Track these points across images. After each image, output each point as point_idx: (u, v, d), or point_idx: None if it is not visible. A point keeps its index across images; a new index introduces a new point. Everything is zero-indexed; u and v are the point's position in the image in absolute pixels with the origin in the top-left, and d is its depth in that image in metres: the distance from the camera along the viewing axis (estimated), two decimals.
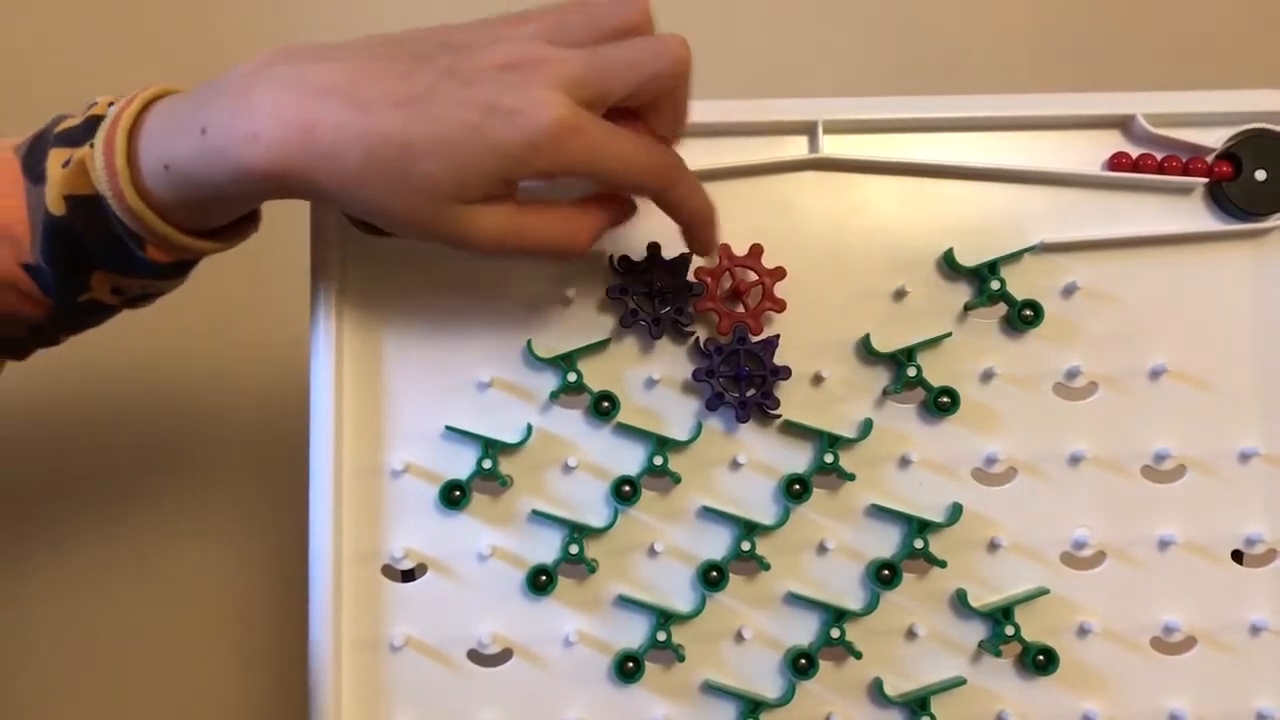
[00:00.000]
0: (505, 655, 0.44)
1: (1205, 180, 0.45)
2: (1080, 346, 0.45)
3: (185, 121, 0.37)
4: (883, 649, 0.45)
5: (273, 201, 0.39)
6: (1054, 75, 0.74)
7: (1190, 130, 0.45)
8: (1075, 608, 0.45)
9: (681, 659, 0.44)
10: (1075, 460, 0.45)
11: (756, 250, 0.44)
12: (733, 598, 0.45)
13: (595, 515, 0.45)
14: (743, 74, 0.74)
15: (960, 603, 0.45)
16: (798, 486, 0.44)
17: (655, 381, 0.45)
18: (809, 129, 0.45)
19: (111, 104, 0.40)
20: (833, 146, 0.45)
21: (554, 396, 0.44)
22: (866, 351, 0.45)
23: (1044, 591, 0.44)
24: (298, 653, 0.43)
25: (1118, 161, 0.45)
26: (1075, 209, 0.46)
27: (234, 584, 0.71)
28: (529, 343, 0.44)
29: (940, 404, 0.45)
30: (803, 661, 0.44)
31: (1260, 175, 0.45)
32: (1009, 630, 0.44)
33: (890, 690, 0.44)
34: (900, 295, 0.45)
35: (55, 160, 0.39)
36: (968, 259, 0.45)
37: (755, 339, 0.44)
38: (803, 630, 0.45)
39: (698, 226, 0.41)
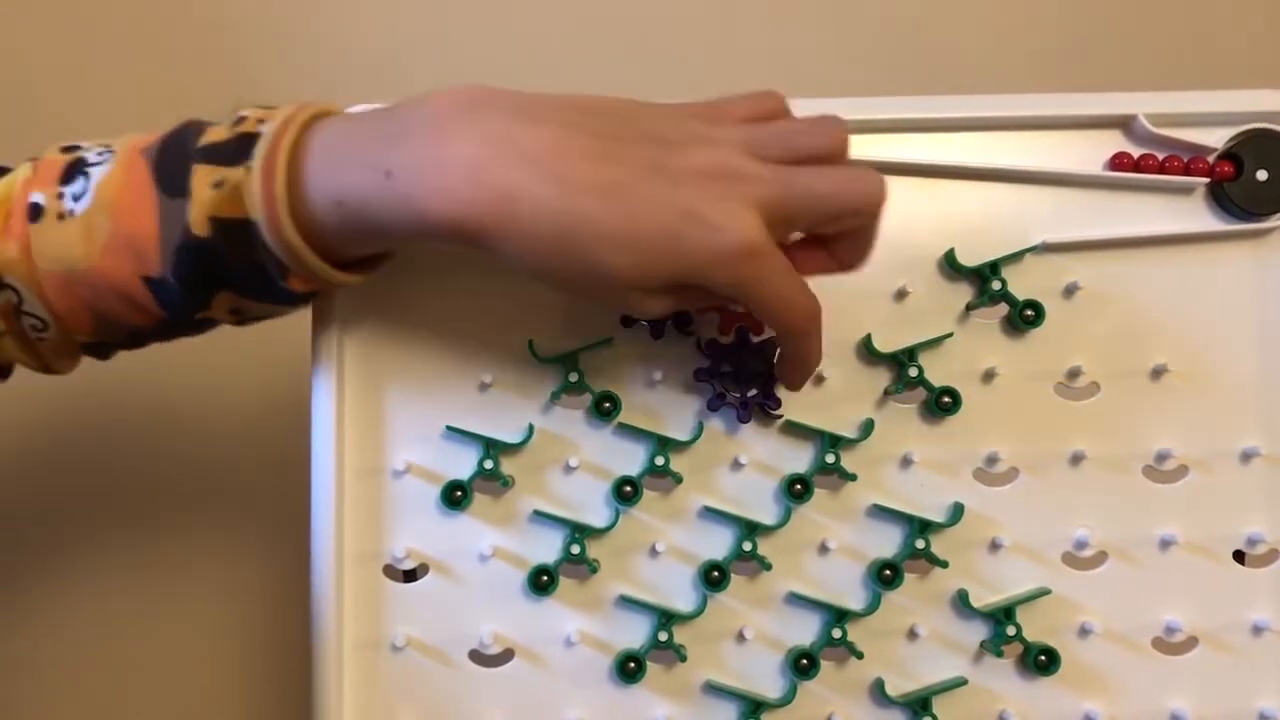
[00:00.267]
0: (507, 655, 0.44)
1: (1206, 180, 0.45)
2: (1082, 346, 0.45)
3: (364, 157, 0.36)
4: (884, 649, 0.45)
5: None
6: (1055, 75, 0.73)
7: (1191, 130, 0.45)
8: (1077, 608, 0.45)
9: (683, 659, 0.44)
10: (1077, 460, 0.45)
11: None
12: (734, 598, 0.45)
13: (597, 515, 0.45)
14: (743, 75, 0.74)
15: (962, 603, 0.45)
16: (799, 486, 0.44)
17: (657, 381, 0.45)
18: None
19: (263, 121, 0.38)
20: None
21: (555, 396, 0.44)
22: (868, 352, 0.45)
23: (1045, 591, 0.44)
24: (300, 653, 0.44)
25: (1119, 161, 0.45)
26: (1077, 209, 0.46)
27: (235, 584, 0.71)
28: (530, 343, 0.44)
29: (942, 404, 0.45)
30: (804, 662, 0.44)
31: (1262, 175, 0.45)
32: (1010, 630, 0.44)
33: (892, 690, 0.44)
34: (901, 295, 0.45)
35: (202, 178, 0.37)
36: (969, 259, 0.45)
37: (756, 339, 0.44)
38: (804, 630, 0.45)
39: (801, 373, 0.41)
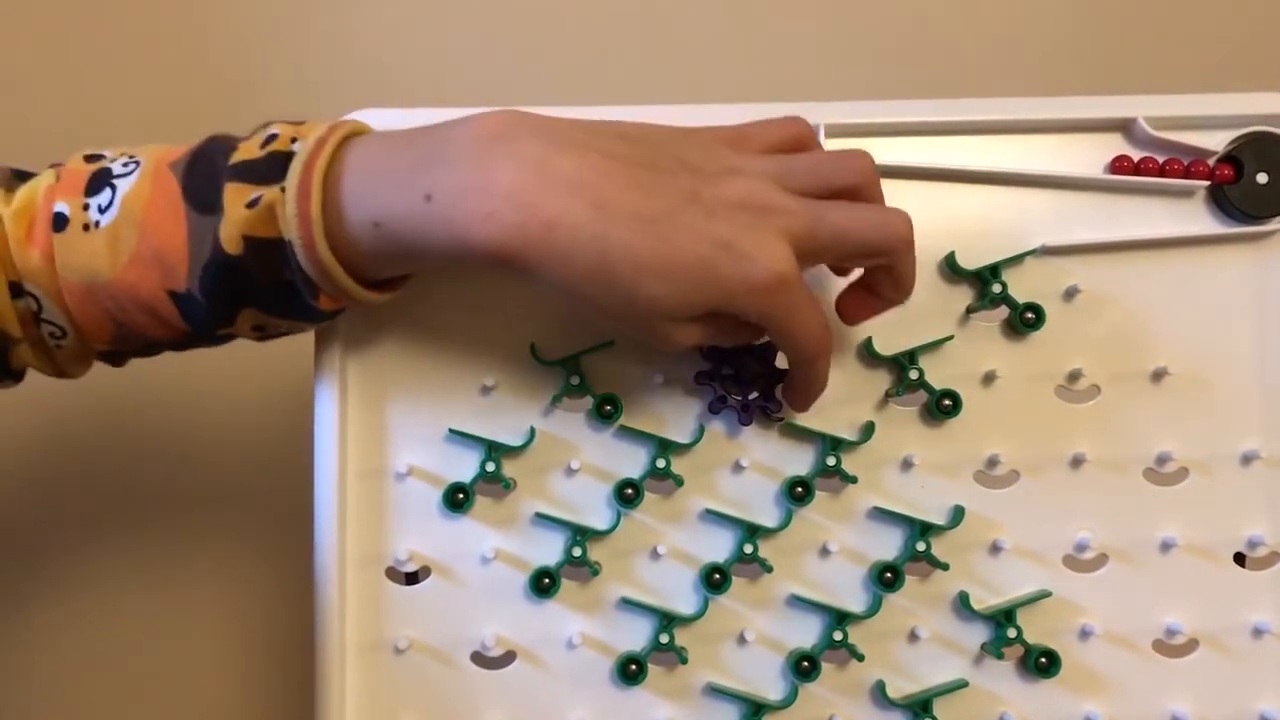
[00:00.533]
0: (508, 657, 0.44)
1: (1207, 183, 0.45)
2: (1082, 349, 0.45)
3: (403, 180, 0.36)
4: (885, 651, 0.45)
5: None
6: (1055, 78, 0.74)
7: (1192, 133, 0.45)
8: (1077, 610, 0.45)
9: (684, 661, 0.44)
10: (1077, 463, 0.45)
11: None
12: (735, 600, 0.45)
13: (598, 518, 0.45)
14: (744, 77, 0.74)
15: (962, 605, 0.45)
16: (800, 489, 0.44)
17: (658, 384, 0.45)
18: None
19: (295, 139, 0.38)
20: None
21: (557, 399, 0.45)
22: (868, 354, 0.45)
23: (1046, 594, 0.45)
24: (302, 655, 0.44)
25: (1119, 164, 0.45)
26: (1077, 212, 0.46)
27: (237, 586, 0.71)
28: (532, 346, 0.44)
29: (942, 407, 0.45)
30: (805, 664, 0.44)
31: (1262, 178, 0.45)
32: (1011, 632, 0.44)
33: (893, 692, 0.44)
34: None
35: (235, 196, 0.37)
36: (969, 262, 0.45)
37: (757, 342, 0.44)
38: (805, 632, 0.45)
39: (808, 397, 0.42)
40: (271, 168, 0.37)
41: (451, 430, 0.44)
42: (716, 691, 0.44)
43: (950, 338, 0.45)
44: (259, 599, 0.71)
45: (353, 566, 0.44)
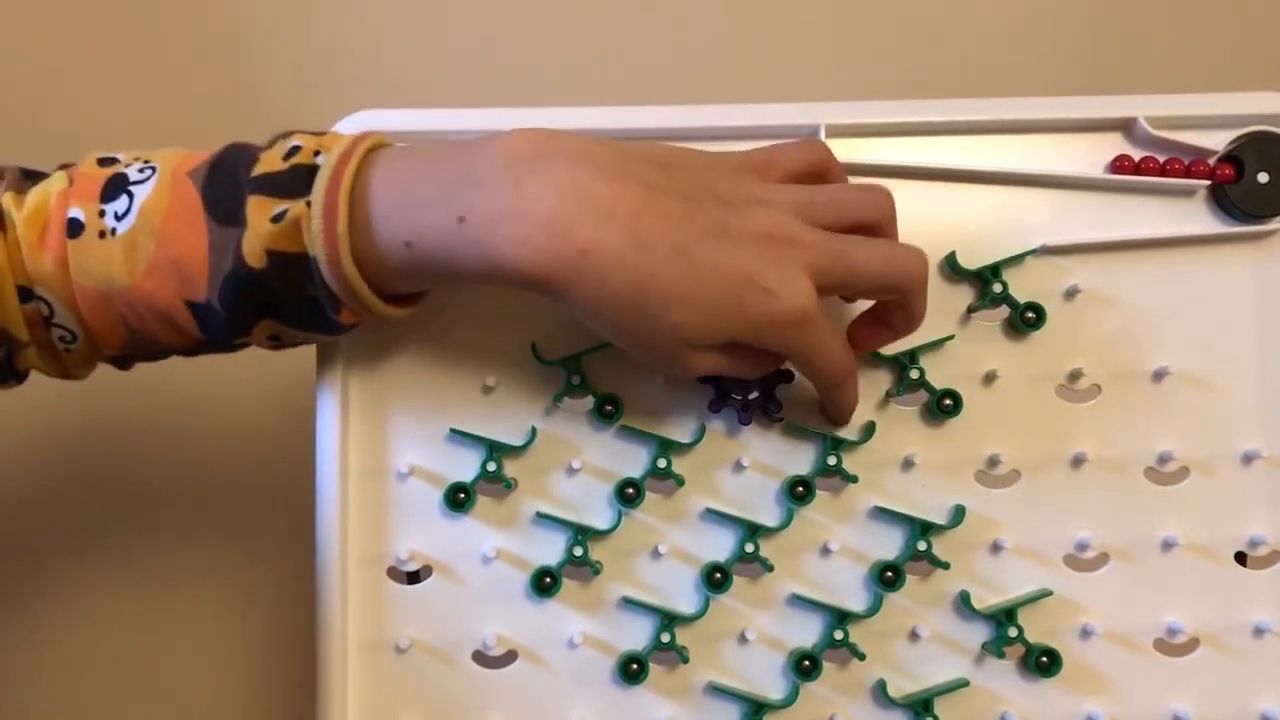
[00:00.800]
0: (509, 657, 0.44)
1: (1207, 183, 0.45)
2: (1083, 349, 0.45)
3: (434, 200, 0.37)
4: (886, 650, 0.45)
5: None
6: (1056, 78, 0.74)
7: (1192, 133, 0.45)
8: (1078, 609, 0.45)
9: (685, 660, 0.44)
10: (1078, 462, 0.45)
11: None
12: (736, 599, 0.45)
13: (599, 517, 0.45)
14: (745, 78, 0.74)
15: (963, 604, 0.45)
16: (801, 488, 0.44)
17: (659, 384, 0.45)
18: (812, 133, 0.45)
19: (319, 152, 0.38)
20: (835, 150, 0.45)
21: (558, 399, 0.45)
22: (869, 354, 0.45)
23: (1047, 593, 0.45)
24: (303, 655, 0.44)
25: (1120, 164, 0.45)
26: (1077, 211, 0.46)
27: (238, 586, 0.71)
28: (533, 345, 0.45)
29: (943, 406, 0.45)
30: (806, 663, 0.44)
31: (1262, 178, 0.45)
32: (1012, 632, 0.44)
33: (894, 692, 0.44)
34: None
35: (259, 210, 0.37)
36: (970, 261, 0.45)
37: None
38: (806, 632, 0.45)
39: (839, 417, 0.44)
40: (295, 181, 0.37)
41: (453, 430, 0.44)
42: (718, 691, 0.44)
43: (951, 337, 0.45)
44: (260, 599, 0.71)
45: (354, 566, 0.44)
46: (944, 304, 0.45)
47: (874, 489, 0.45)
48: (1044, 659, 0.44)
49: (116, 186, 0.39)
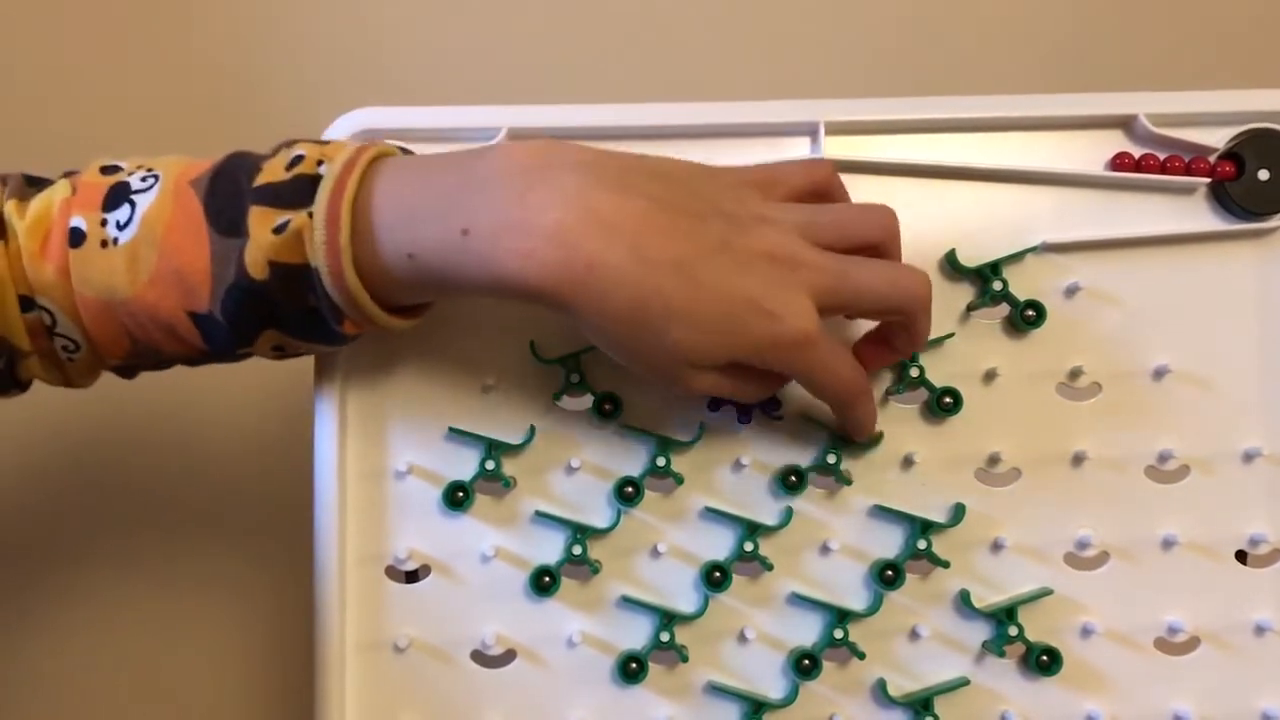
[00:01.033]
0: (508, 656, 0.44)
1: (1208, 180, 0.45)
2: (1083, 347, 0.45)
3: (437, 211, 0.36)
4: (886, 649, 0.45)
5: None
6: (1056, 75, 0.73)
7: (1193, 130, 0.45)
8: (1079, 608, 0.45)
9: (684, 660, 0.44)
10: (1078, 460, 0.45)
11: None
12: (736, 598, 0.45)
13: (598, 516, 0.45)
14: (744, 75, 0.74)
15: (964, 603, 0.45)
16: (794, 478, 0.44)
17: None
18: (811, 130, 0.45)
19: (321, 161, 0.38)
20: (835, 148, 0.45)
21: (557, 398, 0.44)
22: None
23: (1047, 592, 0.44)
24: (302, 654, 0.44)
25: (1120, 161, 0.45)
26: (1077, 209, 0.46)
27: (237, 586, 0.71)
28: (532, 344, 0.44)
29: (943, 404, 0.45)
30: (806, 662, 0.44)
31: (1263, 175, 0.45)
32: (1012, 631, 0.44)
33: (894, 691, 0.44)
34: None
35: (260, 221, 0.37)
36: (970, 259, 0.45)
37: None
38: (806, 631, 0.45)
39: (860, 433, 0.43)
40: (298, 191, 0.37)
41: (451, 429, 0.44)
42: (717, 690, 0.44)
43: (951, 335, 0.45)
44: (258, 598, 0.71)
45: (353, 565, 0.44)
46: (944, 302, 0.45)
47: (874, 487, 0.45)
48: (1044, 658, 0.44)
49: (119, 195, 0.38)
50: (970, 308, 0.45)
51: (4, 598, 0.70)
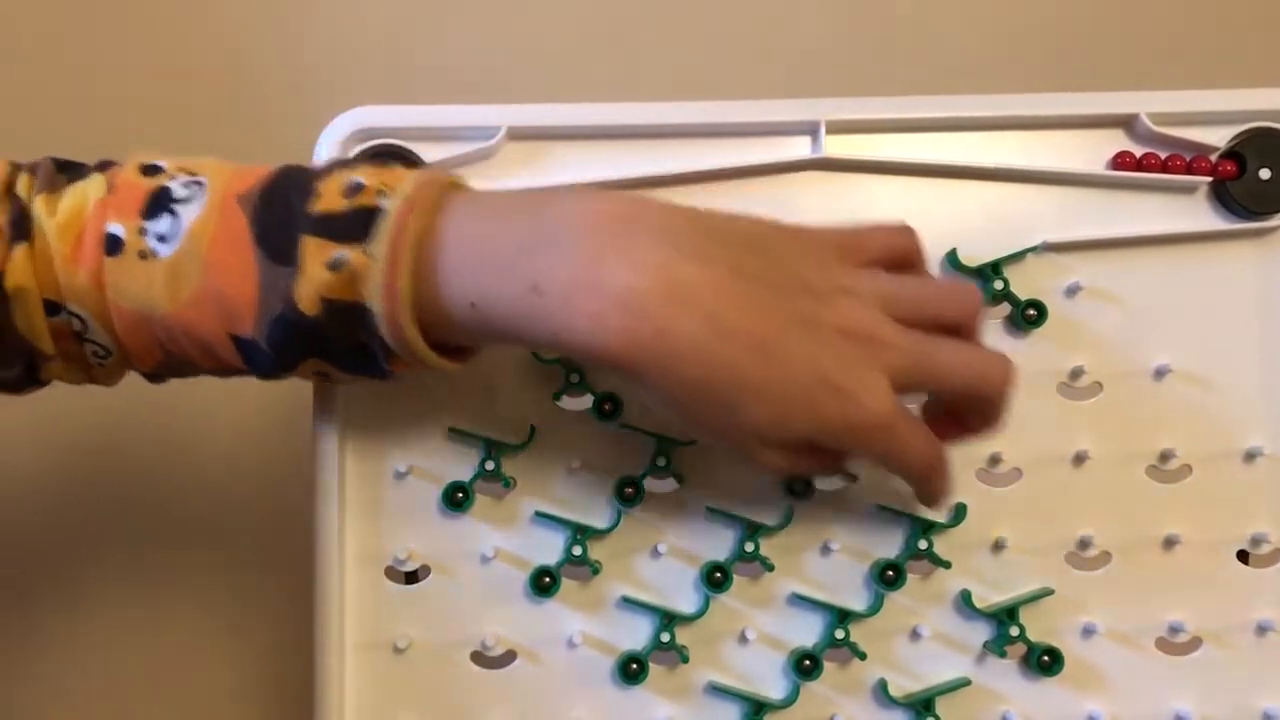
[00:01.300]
0: (509, 657, 0.44)
1: (1209, 179, 0.45)
2: (1084, 346, 0.45)
3: (506, 263, 0.35)
4: (887, 650, 0.45)
5: None
6: (1057, 74, 0.73)
7: (1194, 129, 0.45)
8: (1080, 608, 0.45)
9: (685, 660, 0.44)
10: (1079, 460, 0.45)
11: None
12: (736, 599, 0.44)
13: (598, 516, 0.45)
14: (745, 74, 0.74)
15: (965, 603, 0.44)
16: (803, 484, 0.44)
17: None
18: (811, 129, 0.45)
19: (383, 193, 0.36)
20: (835, 147, 0.45)
21: (557, 398, 0.44)
22: None
23: (1049, 592, 0.44)
24: (301, 655, 0.43)
25: (1121, 161, 0.45)
26: (1078, 208, 0.45)
27: (237, 586, 0.71)
28: None
29: None
30: (807, 662, 0.44)
31: (1264, 174, 0.45)
32: (1014, 631, 0.44)
33: (895, 691, 0.44)
34: None
35: (315, 254, 0.35)
36: (971, 259, 0.45)
37: None
38: (807, 631, 0.45)
39: (933, 502, 0.41)
40: (356, 225, 0.35)
41: (451, 429, 0.44)
42: (718, 690, 0.44)
43: None
44: (258, 598, 0.71)
45: (352, 565, 0.44)
46: None
47: (875, 487, 0.45)
48: (1045, 658, 0.44)
49: (160, 203, 0.36)
50: None
51: (6, 602, 0.70)
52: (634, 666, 0.44)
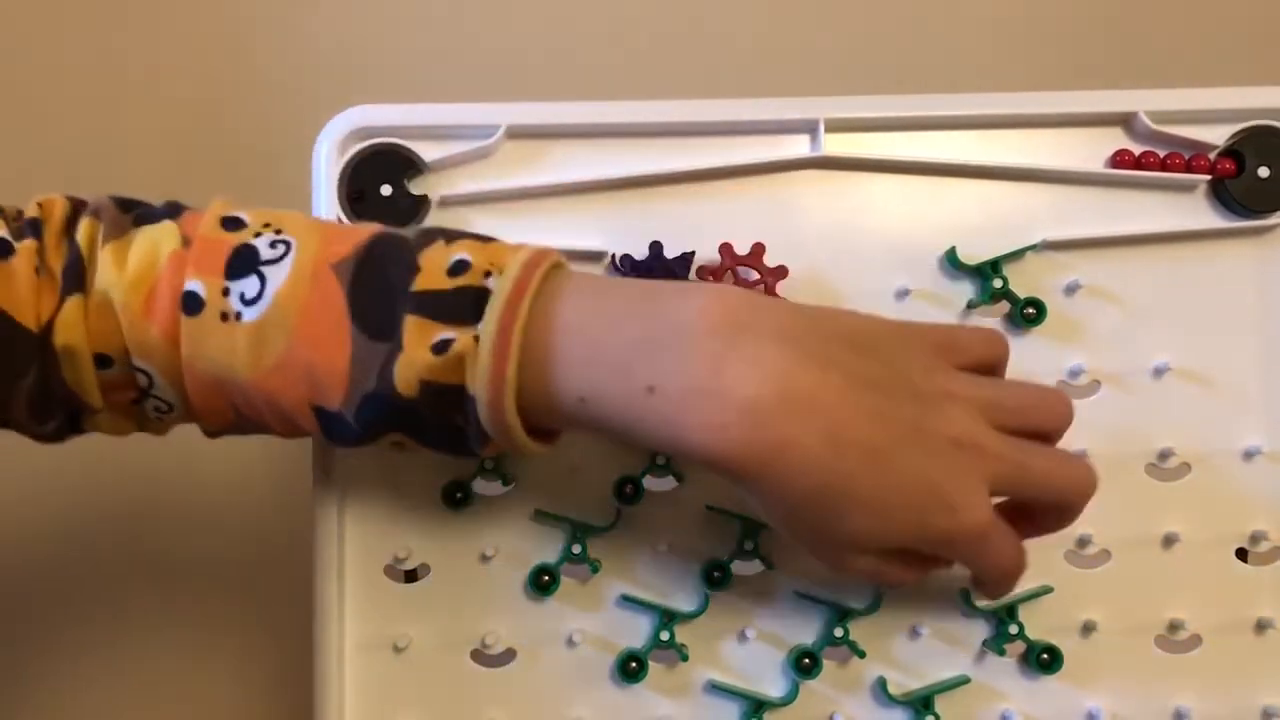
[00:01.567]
0: (508, 655, 0.44)
1: (1208, 177, 0.45)
2: (1083, 344, 0.45)
3: (620, 361, 0.34)
4: (886, 648, 0.45)
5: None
6: (1056, 73, 0.73)
7: (1193, 127, 0.45)
8: (1079, 606, 0.45)
9: (685, 658, 0.44)
10: None
11: (758, 249, 0.44)
12: (736, 597, 0.44)
13: (598, 515, 0.45)
14: (744, 72, 0.74)
15: (964, 601, 0.44)
16: None
17: None
18: (810, 127, 0.45)
19: (489, 274, 0.35)
20: (834, 145, 0.45)
21: None
22: None
23: (1048, 590, 0.44)
24: (301, 654, 0.43)
25: (1120, 159, 0.45)
26: (1077, 207, 0.45)
27: (236, 586, 0.71)
28: None
29: None
30: (806, 660, 0.44)
31: (1263, 172, 0.45)
32: (1013, 629, 0.44)
33: (894, 689, 0.44)
34: (903, 294, 0.45)
35: (418, 335, 0.34)
36: (970, 257, 0.45)
37: None
38: (806, 629, 0.45)
39: (992, 597, 0.42)
40: (462, 306, 0.34)
41: None
42: (717, 689, 0.44)
43: None
44: (256, 598, 0.71)
45: (351, 564, 0.44)
46: (944, 300, 0.45)
47: None
48: (1045, 656, 0.44)
49: (246, 263, 0.35)
50: (970, 305, 0.45)
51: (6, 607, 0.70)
52: (634, 665, 0.44)
